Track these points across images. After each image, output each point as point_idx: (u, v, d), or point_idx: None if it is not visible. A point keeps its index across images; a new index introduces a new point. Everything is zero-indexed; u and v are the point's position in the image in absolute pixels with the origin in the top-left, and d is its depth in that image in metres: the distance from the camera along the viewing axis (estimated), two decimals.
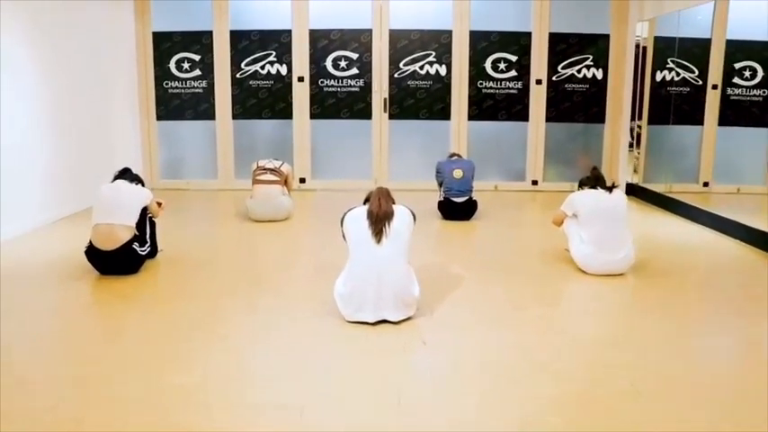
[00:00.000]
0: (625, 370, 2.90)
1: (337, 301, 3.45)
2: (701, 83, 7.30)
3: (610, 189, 4.42)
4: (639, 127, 7.95)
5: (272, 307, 3.74)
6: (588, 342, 3.30)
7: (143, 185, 4.62)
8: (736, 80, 6.88)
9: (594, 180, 4.52)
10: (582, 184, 4.63)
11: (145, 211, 4.45)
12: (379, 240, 3.35)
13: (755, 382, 2.78)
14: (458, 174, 5.96)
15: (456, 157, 6.25)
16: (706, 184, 7.47)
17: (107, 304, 3.89)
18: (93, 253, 4.22)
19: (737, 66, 6.86)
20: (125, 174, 4.58)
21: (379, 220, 3.38)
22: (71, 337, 3.33)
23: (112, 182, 4.48)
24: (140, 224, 4.38)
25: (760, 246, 5.13)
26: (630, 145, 8.02)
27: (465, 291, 4.04)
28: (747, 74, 6.78)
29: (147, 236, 4.47)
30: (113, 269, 4.25)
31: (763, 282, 4.25)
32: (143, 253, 4.33)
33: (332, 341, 3.24)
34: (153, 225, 4.62)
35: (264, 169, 6.00)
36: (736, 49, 6.86)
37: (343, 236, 3.54)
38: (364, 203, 3.56)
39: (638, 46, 7.79)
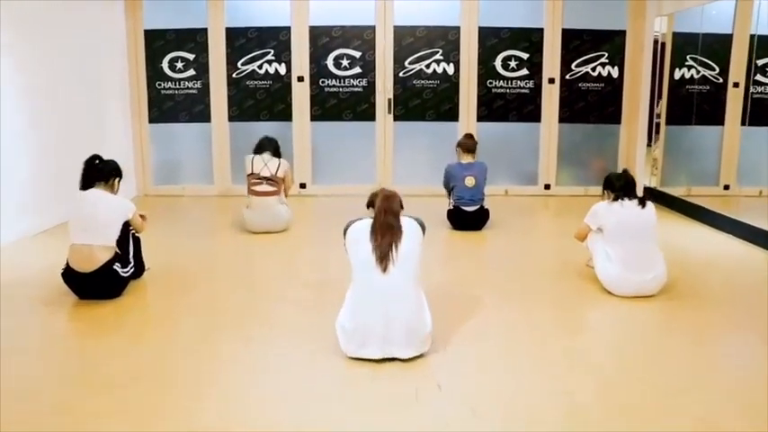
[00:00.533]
0: (680, 423, 2.50)
1: (339, 335, 3.06)
2: (721, 81, 6.98)
3: (642, 202, 3.99)
4: (659, 116, 7.58)
5: (267, 339, 3.35)
6: (628, 385, 2.87)
7: (119, 175, 4.07)
8: (759, 77, 6.52)
9: (624, 186, 4.04)
10: (609, 185, 4.10)
11: (127, 225, 4.05)
12: (385, 269, 2.96)
13: None
14: (470, 182, 5.56)
15: (468, 156, 5.73)
16: (727, 187, 7.16)
17: (83, 336, 3.49)
18: (70, 275, 3.84)
19: (761, 62, 6.49)
20: (94, 166, 3.97)
21: (385, 244, 2.98)
22: (40, 378, 2.94)
23: (84, 186, 3.94)
24: (122, 241, 3.96)
25: None
26: (649, 144, 7.64)
27: (481, 318, 3.64)
28: None
29: (131, 254, 4.06)
30: (93, 293, 3.86)
31: None
32: (125, 275, 3.92)
33: (333, 383, 2.86)
34: (137, 242, 4.21)
35: (260, 178, 5.59)
36: (760, 45, 6.50)
37: (346, 249, 3.15)
38: (368, 206, 3.17)
39: (656, 42, 7.42)
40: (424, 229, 3.16)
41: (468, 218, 5.64)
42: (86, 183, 3.96)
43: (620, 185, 4.05)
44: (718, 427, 2.49)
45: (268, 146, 5.73)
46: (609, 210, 4.02)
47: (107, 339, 3.39)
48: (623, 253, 3.90)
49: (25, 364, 3.08)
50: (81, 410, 2.60)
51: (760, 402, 2.66)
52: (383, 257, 2.96)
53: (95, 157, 4.04)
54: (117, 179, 4.08)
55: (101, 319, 3.64)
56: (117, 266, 3.85)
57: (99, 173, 3.97)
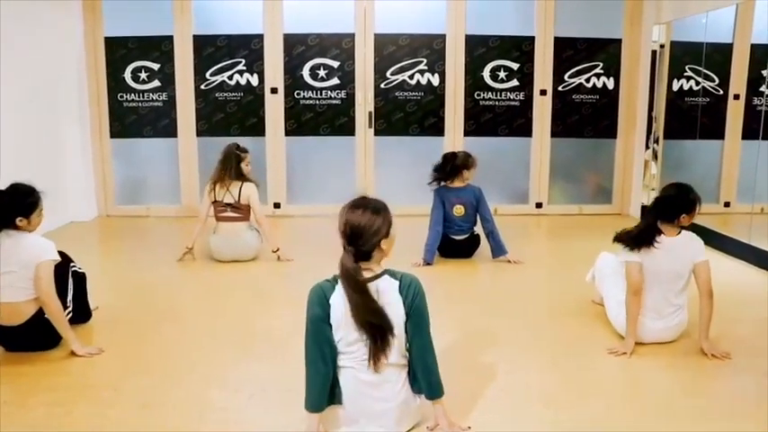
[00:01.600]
0: None
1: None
2: (721, 92, 6.61)
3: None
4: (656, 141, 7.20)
5: (226, 409, 2.80)
6: None
7: (31, 207, 3.27)
8: (762, 89, 6.15)
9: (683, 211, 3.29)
10: (663, 203, 3.34)
11: (67, 260, 3.48)
12: (377, 369, 2.43)
13: None
14: (459, 211, 5.08)
15: (457, 181, 5.24)
16: (727, 204, 6.81)
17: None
18: None
19: (765, 73, 6.12)
20: (7, 202, 3.24)
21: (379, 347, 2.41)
22: None
23: None
24: (59, 280, 3.33)
25: None
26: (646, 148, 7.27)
27: (477, 375, 3.10)
28: None
29: (69, 296, 3.49)
30: (23, 346, 3.30)
31: None
32: None
33: None
34: (80, 280, 3.64)
35: (225, 205, 5.10)
36: (763, 55, 6.13)
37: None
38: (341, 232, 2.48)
39: (653, 52, 7.04)
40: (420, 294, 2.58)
41: (457, 246, 5.16)
42: None
43: (671, 210, 3.30)
44: None
45: (228, 170, 5.16)
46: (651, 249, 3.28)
47: (30, 412, 2.81)
48: (651, 302, 3.34)
49: None
50: None
51: None
52: (375, 357, 2.42)
53: (12, 188, 3.31)
54: (33, 211, 3.30)
55: (25, 382, 3.05)
56: None
57: (11, 209, 3.25)
